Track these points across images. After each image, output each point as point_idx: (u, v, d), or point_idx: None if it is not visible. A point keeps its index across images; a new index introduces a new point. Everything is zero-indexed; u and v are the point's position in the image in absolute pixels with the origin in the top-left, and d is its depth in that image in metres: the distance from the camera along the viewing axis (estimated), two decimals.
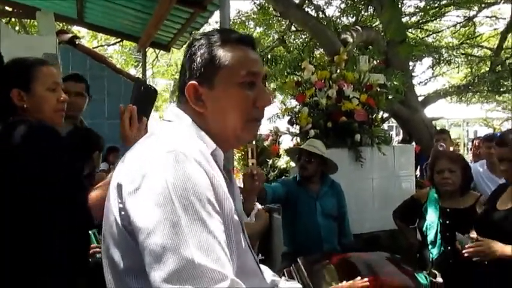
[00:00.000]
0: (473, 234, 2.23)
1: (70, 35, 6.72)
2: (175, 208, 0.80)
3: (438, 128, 8.92)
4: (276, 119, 5.31)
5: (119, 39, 9.34)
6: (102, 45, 11.64)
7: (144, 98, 1.62)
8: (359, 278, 1.84)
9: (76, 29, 9.76)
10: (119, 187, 0.90)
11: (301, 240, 3.00)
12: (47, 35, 3.34)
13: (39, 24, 3.68)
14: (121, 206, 0.88)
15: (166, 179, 0.83)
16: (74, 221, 1.45)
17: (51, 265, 1.42)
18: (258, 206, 2.83)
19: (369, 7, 6.91)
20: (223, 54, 1.01)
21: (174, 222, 0.79)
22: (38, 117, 1.57)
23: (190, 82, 1.01)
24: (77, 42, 6.80)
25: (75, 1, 5.26)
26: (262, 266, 1.23)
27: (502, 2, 7.21)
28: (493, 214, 2.31)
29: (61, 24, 7.51)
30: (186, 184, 0.83)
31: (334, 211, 3.11)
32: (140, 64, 8.13)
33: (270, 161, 7.06)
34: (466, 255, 2.19)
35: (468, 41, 8.79)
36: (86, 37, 11.65)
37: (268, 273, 1.28)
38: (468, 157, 5.54)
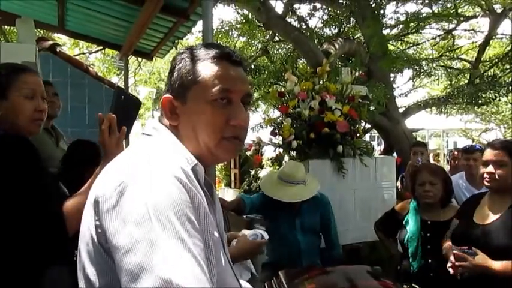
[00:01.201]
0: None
1: (51, 42, 6.62)
2: (154, 226, 0.77)
3: (419, 138, 9.05)
4: (259, 129, 5.32)
5: (100, 47, 9.25)
6: (83, 53, 11.50)
7: (125, 107, 1.59)
8: None
9: (57, 37, 9.64)
10: (96, 203, 0.87)
11: (280, 253, 2.97)
12: (26, 43, 3.28)
13: (19, 31, 3.61)
14: (97, 223, 0.85)
15: (144, 196, 0.81)
16: (38, 234, 1.37)
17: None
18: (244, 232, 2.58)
19: (351, 19, 6.99)
20: (199, 70, 0.99)
21: (152, 241, 0.76)
22: (13, 126, 1.52)
23: (166, 95, 1.02)
24: (57, 50, 6.71)
25: (56, 8, 5.19)
26: (243, 282, 1.21)
27: (480, 15, 7.38)
28: (472, 230, 2.27)
29: (42, 32, 7.40)
30: (165, 202, 0.80)
31: (315, 226, 3.02)
32: (122, 72, 8.07)
33: (253, 171, 7.05)
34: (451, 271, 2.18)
35: (447, 54, 8.96)
36: (68, 44, 11.52)
37: None
38: (447, 167, 5.60)
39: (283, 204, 2.89)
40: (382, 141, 7.76)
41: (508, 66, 7.14)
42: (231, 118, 0.98)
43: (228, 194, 7.35)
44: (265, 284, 2.25)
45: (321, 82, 4.06)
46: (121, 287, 0.76)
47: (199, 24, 5.26)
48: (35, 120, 1.58)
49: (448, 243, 2.37)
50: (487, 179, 2.26)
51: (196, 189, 0.88)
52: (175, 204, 0.81)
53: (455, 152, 4.91)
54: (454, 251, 2.15)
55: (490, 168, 2.23)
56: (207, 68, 0.99)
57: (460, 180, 3.85)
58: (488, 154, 2.27)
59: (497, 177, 2.21)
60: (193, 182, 0.89)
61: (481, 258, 2.09)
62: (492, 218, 2.23)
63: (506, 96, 7.66)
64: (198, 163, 0.97)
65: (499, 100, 7.04)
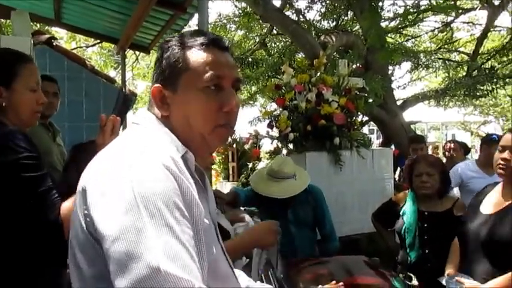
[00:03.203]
0: (462, 279, 2.06)
1: (47, 36, 6.57)
2: (141, 214, 0.76)
3: (418, 131, 9.04)
4: (257, 122, 5.31)
5: (97, 41, 9.21)
6: (80, 47, 11.44)
7: (125, 105, 1.58)
8: (334, 282, 1.83)
9: (54, 30, 9.60)
10: (84, 192, 0.87)
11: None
12: (21, 36, 3.25)
13: (14, 24, 3.58)
14: (86, 212, 0.84)
15: (132, 184, 0.80)
16: (36, 239, 1.35)
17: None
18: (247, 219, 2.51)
19: (349, 12, 6.97)
20: (188, 57, 0.98)
21: (139, 228, 0.75)
22: (14, 118, 1.49)
23: (155, 85, 1.00)
24: (54, 43, 6.67)
25: (53, 1, 5.16)
26: (237, 271, 1.21)
27: (479, 8, 7.36)
28: (477, 220, 2.18)
29: (38, 25, 7.36)
30: (152, 189, 0.80)
31: (308, 219, 2.98)
32: (120, 66, 8.03)
33: (250, 164, 7.05)
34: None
35: (446, 46, 8.95)
36: (64, 38, 11.46)
37: (243, 278, 1.26)
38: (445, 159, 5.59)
39: (275, 199, 2.87)
40: (381, 134, 7.76)
41: (506, 59, 7.12)
42: (224, 105, 0.98)
43: (226, 188, 7.34)
44: (262, 275, 2.25)
45: (317, 74, 4.05)
46: (110, 275, 0.76)
47: (196, 17, 5.23)
48: (36, 113, 1.57)
49: (449, 270, 2.27)
50: (500, 165, 2.09)
51: (185, 177, 0.87)
52: (163, 191, 0.80)
53: (451, 144, 4.87)
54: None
55: (506, 155, 2.06)
56: (196, 55, 0.98)
57: (471, 166, 3.87)
58: (506, 139, 2.11)
59: None
60: (182, 170, 0.88)
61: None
62: (498, 207, 2.11)
63: (504, 89, 7.66)
64: (188, 151, 0.96)
65: (497, 92, 7.02)
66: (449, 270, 2.27)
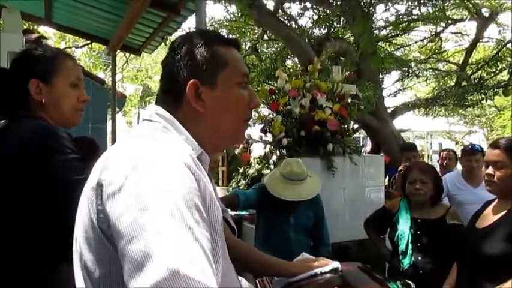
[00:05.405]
0: None
1: (36, 35, 6.49)
2: (161, 213, 0.73)
3: (405, 140, 9.10)
4: (248, 127, 5.29)
5: (88, 41, 9.11)
6: (70, 47, 11.30)
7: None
8: None
9: (43, 30, 9.48)
10: (99, 186, 0.82)
11: (270, 251, 2.92)
12: (12, 32, 3.20)
13: (5, 21, 3.53)
14: (100, 207, 0.80)
15: (151, 181, 0.76)
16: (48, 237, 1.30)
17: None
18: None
19: (341, 19, 7.01)
20: (224, 53, 0.99)
21: (159, 228, 0.71)
22: (55, 115, 1.43)
23: (192, 80, 0.96)
24: (43, 43, 6.58)
25: (43, 0, 5.09)
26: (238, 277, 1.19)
27: (468, 19, 7.46)
28: (471, 235, 2.18)
29: (27, 24, 7.26)
30: (173, 188, 0.76)
31: (309, 224, 2.98)
32: (109, 68, 7.96)
33: (241, 169, 7.01)
34: None
35: (435, 56, 9.06)
36: (53, 38, 11.32)
37: (244, 283, 1.26)
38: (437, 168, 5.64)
39: (280, 203, 2.84)
40: (367, 142, 7.81)
41: (494, 69, 7.23)
42: (251, 101, 1.03)
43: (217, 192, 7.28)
44: (257, 281, 2.22)
45: (311, 80, 4.05)
46: (123, 275, 0.72)
47: (190, 20, 5.21)
48: (78, 110, 1.50)
49: None
50: (486, 182, 2.10)
51: (204, 175, 0.85)
52: (184, 190, 0.77)
53: (446, 153, 4.92)
54: None
55: (490, 170, 2.07)
56: (230, 52, 1.01)
57: (455, 176, 3.89)
58: (488, 154, 2.12)
59: (495, 179, 2.05)
60: (201, 169, 0.86)
61: None
62: (488, 222, 2.11)
63: (492, 99, 7.77)
64: (204, 152, 0.95)
65: (486, 101, 7.13)
66: None
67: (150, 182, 0.77)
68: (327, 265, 1.56)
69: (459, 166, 4.17)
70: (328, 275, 1.55)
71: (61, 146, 1.30)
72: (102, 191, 0.81)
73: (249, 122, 1.07)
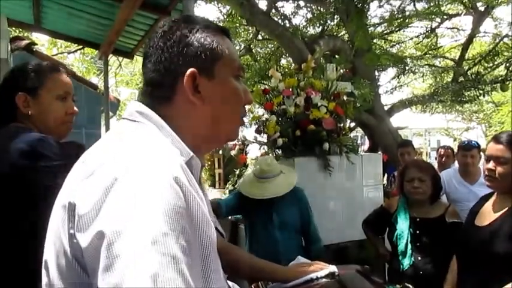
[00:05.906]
0: None
1: (26, 42, 6.42)
2: (141, 238, 0.62)
3: (402, 137, 9.05)
4: (243, 128, 5.21)
5: (79, 47, 9.03)
6: (62, 53, 11.22)
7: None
8: None
9: (35, 37, 9.42)
10: (71, 206, 0.70)
11: (258, 254, 2.84)
12: None
13: None
14: (72, 231, 0.68)
15: (133, 199, 0.65)
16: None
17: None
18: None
19: (335, 17, 6.95)
20: (221, 42, 0.89)
21: (138, 256, 0.60)
22: (42, 127, 1.47)
23: (191, 69, 0.84)
24: (34, 49, 6.51)
25: (32, 5, 5.01)
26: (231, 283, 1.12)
27: (463, 13, 7.41)
28: (471, 233, 2.11)
29: (17, 31, 7.18)
30: (156, 209, 0.64)
31: (295, 222, 2.87)
32: (102, 73, 7.89)
33: (237, 171, 6.94)
34: None
35: (431, 52, 9.00)
36: (46, 44, 11.24)
37: None
38: (435, 165, 5.60)
39: (259, 202, 2.77)
40: (365, 141, 7.74)
41: (491, 64, 7.17)
42: (245, 97, 0.94)
43: (212, 195, 7.23)
44: (252, 286, 2.14)
45: (306, 79, 3.97)
46: None
47: None
48: (65, 123, 1.55)
49: None
50: (486, 177, 2.04)
51: (194, 189, 0.72)
52: (169, 211, 0.65)
53: (443, 150, 4.91)
54: None
55: (491, 165, 2.00)
56: (226, 42, 0.91)
57: (453, 173, 3.90)
58: (490, 149, 2.04)
59: (497, 175, 1.98)
60: (191, 180, 0.74)
61: None
62: (490, 219, 2.04)
63: (489, 95, 7.72)
64: (194, 156, 0.83)
65: (484, 97, 7.07)
66: None
67: (130, 201, 0.65)
68: (323, 269, 1.48)
69: (457, 164, 4.14)
70: (324, 280, 1.47)
71: (46, 151, 1.34)
72: (75, 211, 0.70)
73: (244, 122, 1.00)
